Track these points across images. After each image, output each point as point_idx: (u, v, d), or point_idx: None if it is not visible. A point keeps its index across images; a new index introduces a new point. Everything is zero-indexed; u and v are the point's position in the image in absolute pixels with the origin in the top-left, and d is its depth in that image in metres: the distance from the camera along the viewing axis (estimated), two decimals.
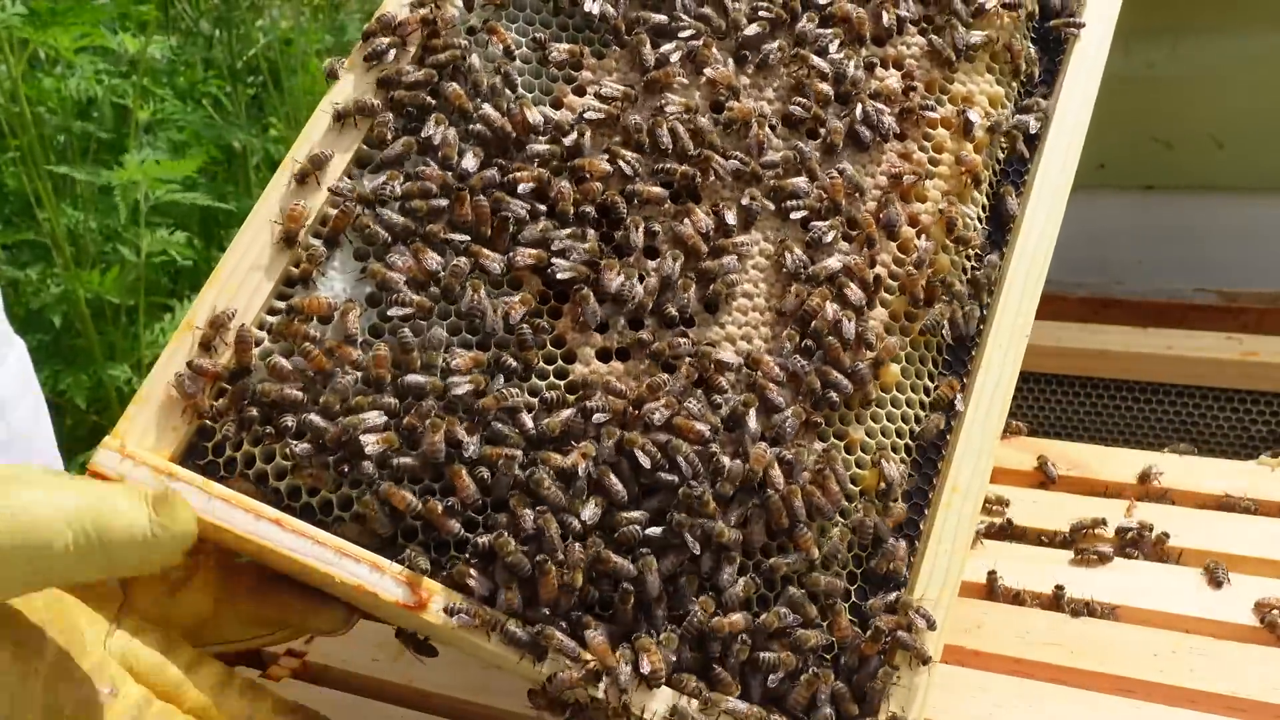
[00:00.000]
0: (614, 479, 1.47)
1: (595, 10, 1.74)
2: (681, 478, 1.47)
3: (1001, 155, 1.84)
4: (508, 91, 1.68)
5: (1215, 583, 1.90)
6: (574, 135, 1.65)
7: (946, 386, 1.65)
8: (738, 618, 1.44)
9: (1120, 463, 2.22)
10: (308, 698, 1.82)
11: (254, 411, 1.45)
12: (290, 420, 1.44)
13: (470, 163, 1.61)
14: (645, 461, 1.47)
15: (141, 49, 3.55)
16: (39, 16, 3.25)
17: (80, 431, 3.67)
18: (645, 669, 1.39)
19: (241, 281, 1.51)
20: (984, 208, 1.80)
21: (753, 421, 1.52)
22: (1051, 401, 2.61)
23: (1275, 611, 1.81)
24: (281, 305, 1.53)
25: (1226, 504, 2.09)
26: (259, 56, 4.00)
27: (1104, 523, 2.05)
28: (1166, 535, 1.98)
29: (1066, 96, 1.89)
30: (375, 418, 1.45)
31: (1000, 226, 1.79)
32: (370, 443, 1.43)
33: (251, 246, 1.54)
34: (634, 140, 1.67)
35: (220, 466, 1.44)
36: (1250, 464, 2.21)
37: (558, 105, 1.69)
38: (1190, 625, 1.84)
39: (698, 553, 1.45)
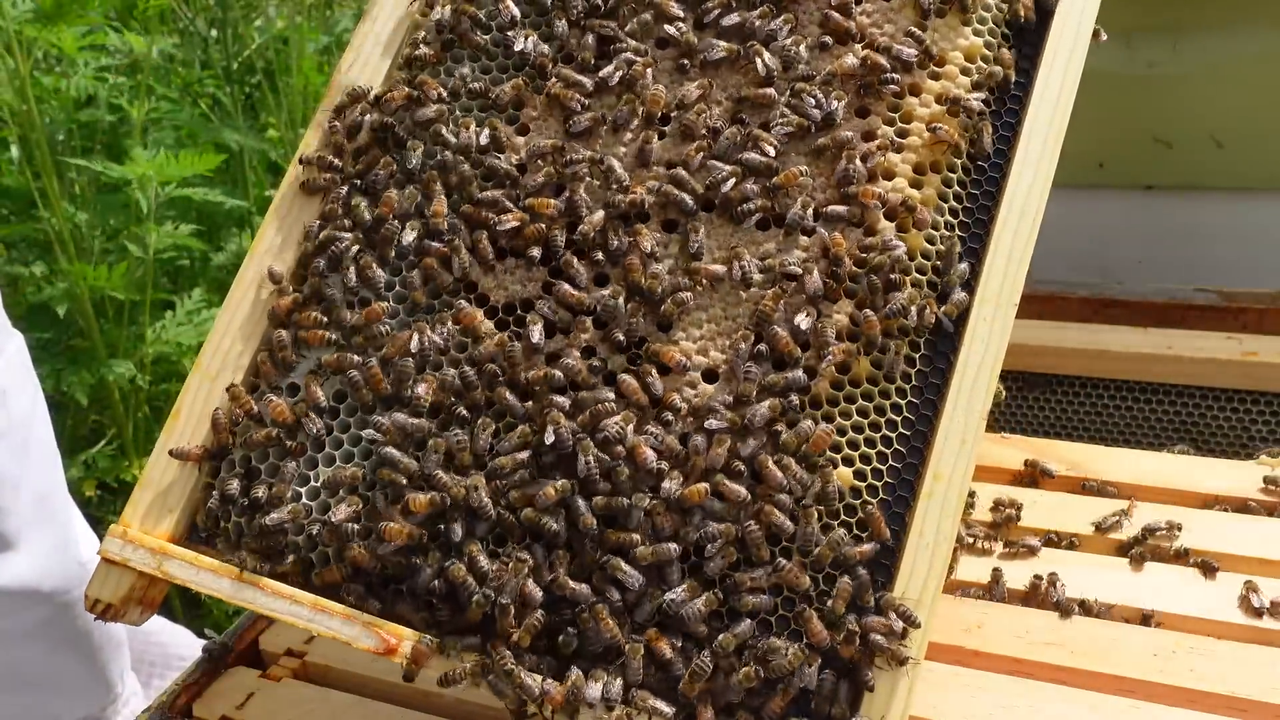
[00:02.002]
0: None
1: (528, 48, 1.78)
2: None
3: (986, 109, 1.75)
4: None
5: (1209, 571, 1.92)
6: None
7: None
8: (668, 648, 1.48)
9: (1120, 463, 2.22)
10: (308, 697, 1.83)
11: (233, 485, 1.62)
12: (262, 491, 1.60)
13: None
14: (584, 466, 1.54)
15: (146, 48, 3.55)
16: (43, 14, 3.25)
17: (82, 430, 3.67)
18: (606, 636, 1.48)
19: (221, 365, 1.70)
20: (965, 170, 1.72)
21: (700, 439, 1.54)
22: (1051, 401, 2.61)
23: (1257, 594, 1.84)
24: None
25: (1240, 506, 2.10)
26: (255, 56, 4.00)
27: (1125, 514, 2.05)
28: (1186, 551, 1.98)
29: (1056, 36, 1.79)
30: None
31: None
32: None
33: (226, 335, 1.72)
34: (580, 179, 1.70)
35: (214, 537, 1.64)
36: (1250, 464, 2.21)
37: (502, 149, 1.74)
38: (1190, 625, 1.84)
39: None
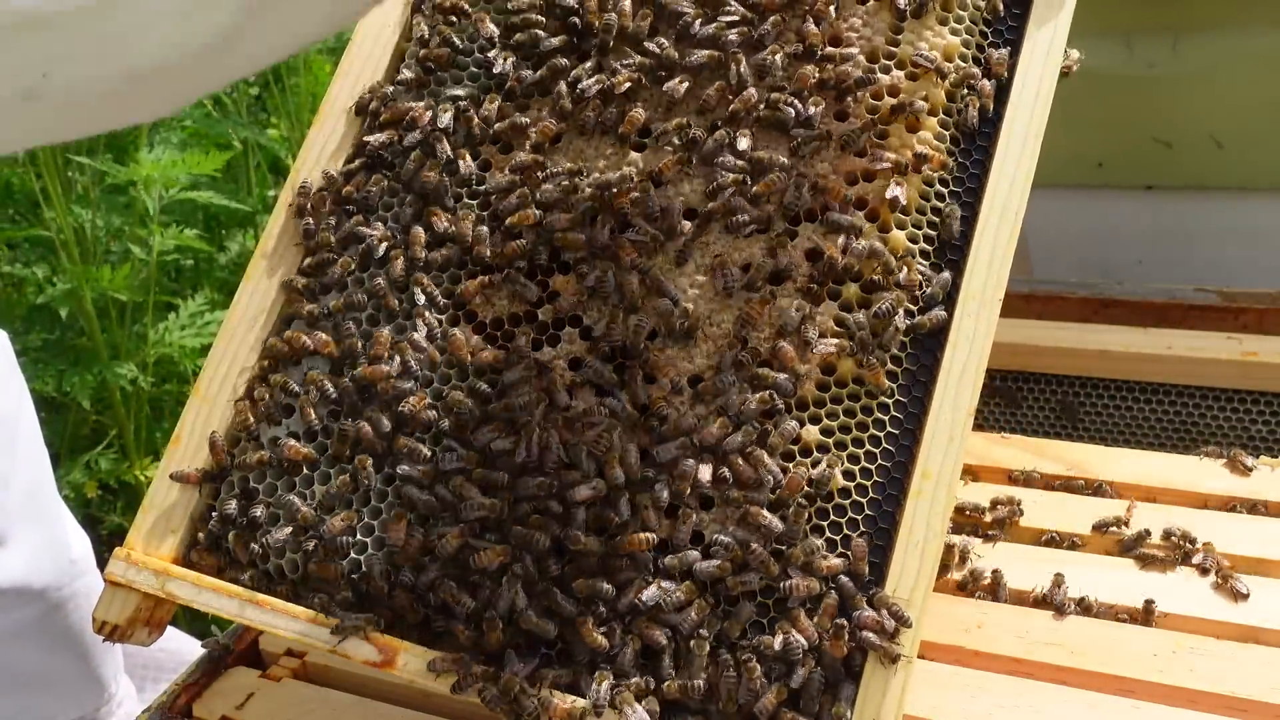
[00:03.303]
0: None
1: (507, 70, 1.81)
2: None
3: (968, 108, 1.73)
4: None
5: (1203, 571, 1.92)
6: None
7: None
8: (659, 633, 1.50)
9: (1120, 463, 2.22)
10: (308, 698, 1.83)
11: (232, 506, 1.68)
12: (260, 511, 1.66)
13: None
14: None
15: None
16: None
17: (83, 430, 3.67)
18: (591, 648, 1.50)
19: (219, 390, 1.76)
20: (947, 169, 1.71)
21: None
22: (1052, 401, 2.61)
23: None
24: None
25: (1235, 506, 2.10)
26: None
27: (1126, 522, 2.05)
28: (1189, 553, 1.98)
29: (1035, 29, 1.77)
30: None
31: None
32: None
33: (224, 359, 1.78)
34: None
35: (217, 556, 1.70)
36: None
37: (487, 167, 1.77)
38: (1191, 625, 1.84)
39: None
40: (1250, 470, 2.15)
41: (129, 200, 3.51)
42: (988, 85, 1.74)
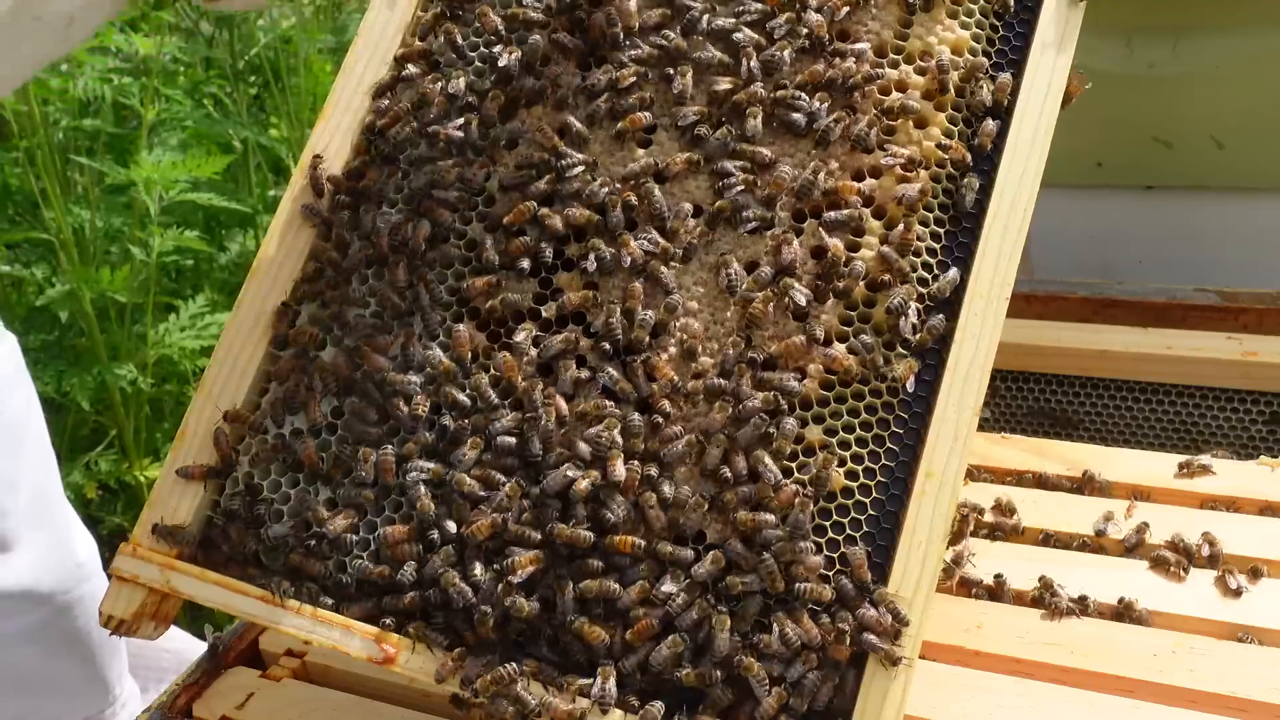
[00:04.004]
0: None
1: (512, 63, 1.79)
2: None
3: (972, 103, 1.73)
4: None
5: (1210, 561, 1.93)
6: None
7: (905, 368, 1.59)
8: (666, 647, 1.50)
9: (1120, 463, 2.22)
10: (308, 698, 1.83)
11: (236, 501, 1.68)
12: (264, 507, 1.67)
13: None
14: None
15: (154, 50, 3.56)
16: None
17: (83, 431, 3.68)
18: (595, 646, 1.50)
19: (224, 386, 1.76)
20: (954, 166, 1.71)
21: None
22: (1052, 401, 2.61)
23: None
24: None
25: (1234, 506, 2.10)
26: (260, 56, 4.01)
27: (1125, 520, 2.05)
28: (1191, 545, 1.98)
29: (1044, 30, 1.76)
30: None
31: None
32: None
33: (229, 355, 1.78)
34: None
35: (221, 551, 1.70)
36: (1250, 464, 2.21)
37: (493, 162, 1.76)
38: (1190, 625, 1.84)
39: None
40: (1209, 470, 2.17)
41: (128, 201, 3.52)
42: (991, 124, 1.73)
